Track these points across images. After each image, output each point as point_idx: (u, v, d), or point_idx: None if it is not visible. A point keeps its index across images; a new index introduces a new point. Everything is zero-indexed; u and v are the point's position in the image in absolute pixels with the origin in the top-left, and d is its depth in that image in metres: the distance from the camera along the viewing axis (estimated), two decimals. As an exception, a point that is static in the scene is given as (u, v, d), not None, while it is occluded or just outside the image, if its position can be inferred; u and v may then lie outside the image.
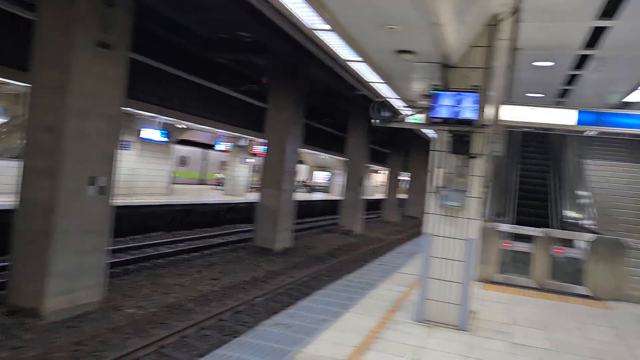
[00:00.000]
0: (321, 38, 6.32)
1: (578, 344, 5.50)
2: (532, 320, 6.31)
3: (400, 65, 6.80)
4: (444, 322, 5.60)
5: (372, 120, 6.43)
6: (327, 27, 5.77)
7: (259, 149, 25.26)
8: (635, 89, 9.34)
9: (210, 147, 28.08)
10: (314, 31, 6.08)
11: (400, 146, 35.46)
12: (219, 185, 29.36)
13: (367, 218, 26.52)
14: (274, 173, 16.29)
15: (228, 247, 16.02)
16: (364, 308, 6.12)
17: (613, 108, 9.75)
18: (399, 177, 37.77)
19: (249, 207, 20.25)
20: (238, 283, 11.21)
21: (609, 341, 5.74)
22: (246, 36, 15.61)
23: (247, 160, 26.77)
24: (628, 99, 10.08)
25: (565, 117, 7.26)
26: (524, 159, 15.00)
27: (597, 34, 6.77)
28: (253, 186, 27.92)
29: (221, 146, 26.22)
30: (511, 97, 10.53)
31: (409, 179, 39.27)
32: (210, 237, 17.14)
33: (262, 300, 10.03)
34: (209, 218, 19.70)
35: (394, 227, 28.78)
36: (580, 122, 7.24)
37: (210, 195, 23.82)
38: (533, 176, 14.26)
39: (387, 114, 6.71)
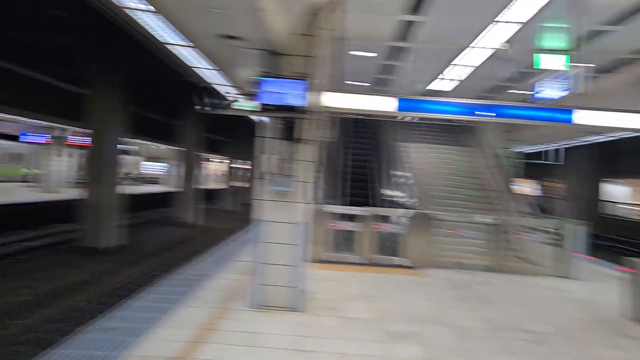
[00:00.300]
0: (143, 19, 5.92)
1: (399, 311, 6.03)
2: (360, 294, 6.76)
3: (228, 51, 6.69)
4: (279, 306, 5.69)
5: (198, 107, 6.24)
6: (149, 7, 5.41)
7: (81, 140, 23.04)
8: (436, 78, 10.51)
9: (15, 138, 24.65)
10: (134, 11, 5.66)
11: (238, 134, 35.28)
12: (30, 182, 26.02)
13: (205, 208, 25.97)
14: (98, 166, 14.99)
15: (47, 249, 14.35)
16: (199, 300, 5.94)
17: (421, 95, 10.86)
18: (238, 166, 37.67)
19: (72, 204, 18.39)
20: (59, 289, 10.11)
21: (424, 305, 6.41)
22: (58, 15, 13.93)
23: (78, 153, 24.30)
24: (430, 87, 11.33)
25: (386, 104, 7.89)
26: (354, 144, 15.99)
27: (407, 27, 7.42)
28: (78, 181, 25.36)
29: (29, 137, 23.28)
30: (337, 85, 11.10)
31: (248, 167, 39.39)
32: (24, 240, 15.15)
33: (88, 305, 9.19)
34: (21, 219, 17.42)
35: (232, 216, 28.66)
36: (400, 109, 7.94)
37: (24, 194, 21.08)
38: (362, 160, 15.30)
39: (214, 100, 6.56)
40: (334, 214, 9.12)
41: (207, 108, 6.16)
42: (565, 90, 6.09)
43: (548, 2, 5.75)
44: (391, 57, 9.24)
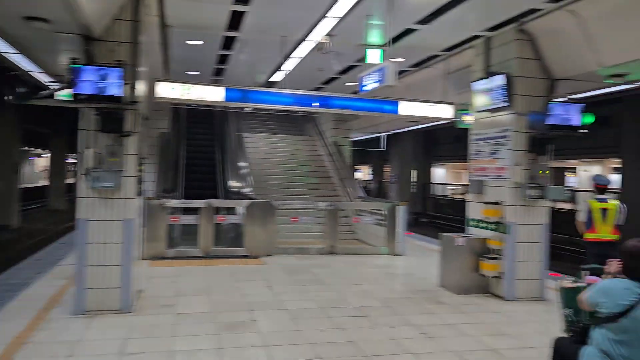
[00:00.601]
0: None
1: (235, 301, 6.07)
2: (196, 288, 6.65)
3: (35, 34, 6.01)
4: (106, 309, 5.35)
5: (5, 98, 5.55)
6: None
7: None
8: (277, 70, 10.67)
9: None
10: None
11: (71, 127, 31.88)
12: None
13: (28, 209, 23.28)
14: None
15: None
16: (11, 312, 5.32)
17: (262, 86, 10.95)
18: (72, 161, 34.33)
19: None
20: None
21: (260, 293, 6.54)
22: None
23: None
24: (273, 78, 11.48)
25: (214, 94, 7.80)
26: (191, 135, 15.54)
27: (236, 17, 7.37)
28: None
29: None
30: (170, 74, 10.66)
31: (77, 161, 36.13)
32: None
33: None
34: None
35: (59, 216, 26.04)
36: (227, 99, 7.91)
37: None
38: (201, 151, 14.94)
39: (24, 89, 5.89)
40: (172, 208, 8.83)
41: (14, 98, 5.49)
42: (378, 82, 6.60)
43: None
44: (228, 48, 9.13)
